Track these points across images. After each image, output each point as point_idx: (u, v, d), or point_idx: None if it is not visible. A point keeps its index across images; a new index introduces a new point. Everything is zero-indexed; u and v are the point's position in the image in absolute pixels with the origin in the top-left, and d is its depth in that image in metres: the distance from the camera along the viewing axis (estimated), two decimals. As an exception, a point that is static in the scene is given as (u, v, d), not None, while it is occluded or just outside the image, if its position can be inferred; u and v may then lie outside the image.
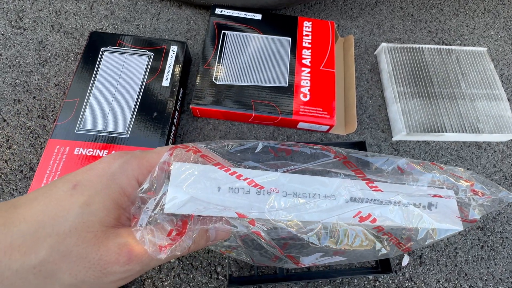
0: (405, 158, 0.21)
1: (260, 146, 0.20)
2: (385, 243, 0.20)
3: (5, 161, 0.35)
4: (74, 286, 0.15)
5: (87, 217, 0.15)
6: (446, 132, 0.39)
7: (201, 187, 0.17)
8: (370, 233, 0.19)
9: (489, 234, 0.36)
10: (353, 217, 0.18)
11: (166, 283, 0.31)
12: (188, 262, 0.32)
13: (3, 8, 0.44)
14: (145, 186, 0.17)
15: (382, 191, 0.19)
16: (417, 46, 0.44)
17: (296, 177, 0.19)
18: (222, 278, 0.31)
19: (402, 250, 0.21)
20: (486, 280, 0.34)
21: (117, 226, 0.17)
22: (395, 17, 0.50)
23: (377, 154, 0.21)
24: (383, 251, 0.20)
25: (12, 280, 0.14)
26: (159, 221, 0.16)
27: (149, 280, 0.31)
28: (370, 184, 0.19)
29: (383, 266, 0.32)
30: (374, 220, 0.18)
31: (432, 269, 0.34)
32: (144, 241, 0.15)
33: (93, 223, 0.16)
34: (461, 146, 0.41)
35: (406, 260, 0.34)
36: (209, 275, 0.31)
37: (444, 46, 0.45)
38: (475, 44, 0.49)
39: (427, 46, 0.45)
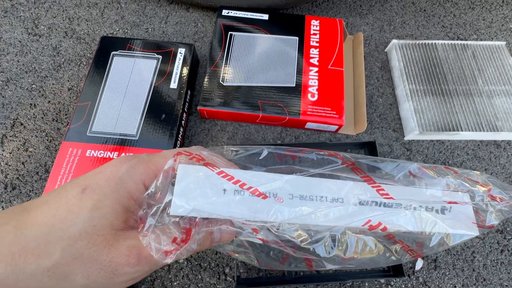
0: (416, 163, 0.20)
1: (265, 153, 0.19)
2: (397, 249, 0.19)
3: (22, 163, 0.36)
4: (86, 287, 0.16)
5: (97, 221, 0.16)
6: (462, 130, 0.37)
7: (204, 195, 0.17)
8: (380, 241, 0.18)
9: (510, 237, 0.34)
10: (363, 225, 0.18)
11: (175, 283, 0.31)
12: (196, 263, 0.32)
13: (20, 16, 0.45)
14: (151, 191, 0.17)
15: (393, 198, 0.18)
16: (430, 42, 0.43)
17: (302, 183, 0.18)
18: (230, 279, 0.31)
19: (413, 257, 0.20)
20: (506, 286, 0.32)
21: (126, 229, 0.17)
22: (407, 13, 0.48)
23: (387, 159, 0.20)
24: (394, 258, 0.19)
25: (27, 283, 0.14)
26: (164, 226, 0.16)
27: (159, 280, 0.31)
28: (380, 192, 0.19)
29: (395, 270, 0.31)
30: (384, 228, 0.18)
31: (447, 273, 0.33)
32: (150, 246, 0.15)
33: (103, 227, 0.16)
34: (478, 145, 0.39)
35: (419, 264, 0.33)
36: (218, 276, 0.31)
37: (459, 41, 0.43)
38: (492, 38, 0.46)
39: (440, 41, 0.43)
